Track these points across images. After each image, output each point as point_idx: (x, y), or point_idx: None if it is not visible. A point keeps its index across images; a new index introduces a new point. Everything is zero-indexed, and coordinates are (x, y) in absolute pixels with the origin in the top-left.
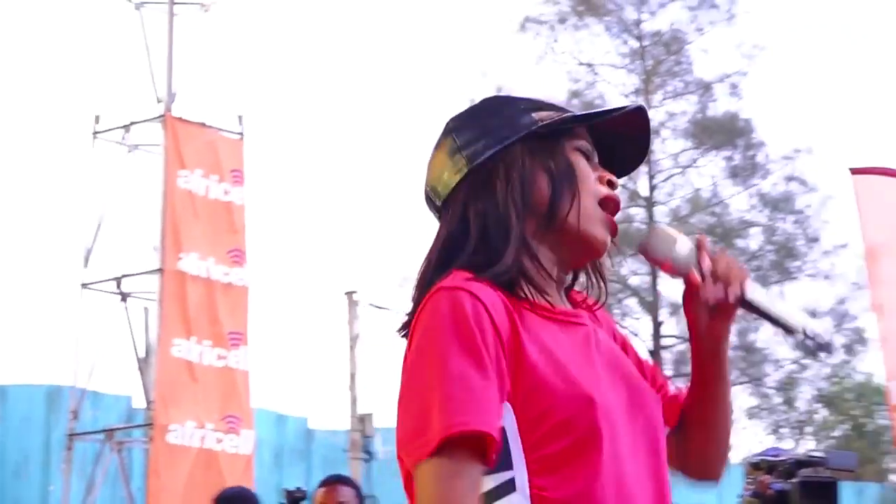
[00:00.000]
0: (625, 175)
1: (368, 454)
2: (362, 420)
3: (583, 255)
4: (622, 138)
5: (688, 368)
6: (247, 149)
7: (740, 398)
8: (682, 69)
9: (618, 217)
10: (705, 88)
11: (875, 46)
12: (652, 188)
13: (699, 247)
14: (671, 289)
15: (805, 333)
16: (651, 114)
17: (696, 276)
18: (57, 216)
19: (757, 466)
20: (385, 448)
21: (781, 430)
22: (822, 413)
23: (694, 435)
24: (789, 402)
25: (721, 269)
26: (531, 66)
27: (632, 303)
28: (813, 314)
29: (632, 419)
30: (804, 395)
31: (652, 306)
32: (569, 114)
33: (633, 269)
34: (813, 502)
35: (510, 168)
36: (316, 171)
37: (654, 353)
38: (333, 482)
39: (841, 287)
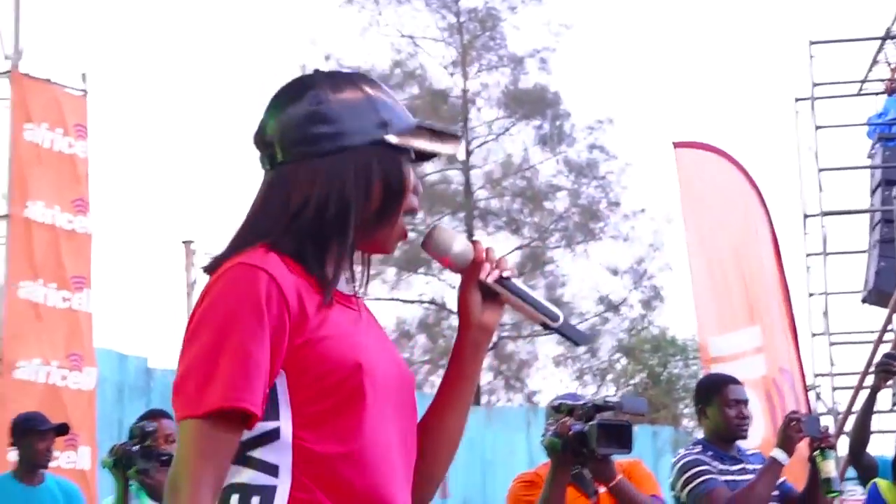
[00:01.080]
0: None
1: None
2: None
3: (374, 251)
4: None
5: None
6: (90, 105)
7: (547, 347)
8: (496, 44)
9: (436, 178)
10: (517, 62)
11: (668, 25)
12: (468, 153)
13: (474, 242)
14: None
15: (562, 321)
16: (468, 84)
17: (481, 254)
18: None
19: (558, 409)
20: None
21: (585, 378)
22: (622, 362)
23: (427, 439)
24: (592, 352)
25: (493, 256)
26: (356, 36)
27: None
28: (614, 272)
29: (398, 392)
30: (606, 346)
31: None
32: (415, 123)
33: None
34: (610, 442)
35: (359, 168)
36: (157, 127)
37: None
38: (157, 416)
39: (639, 248)
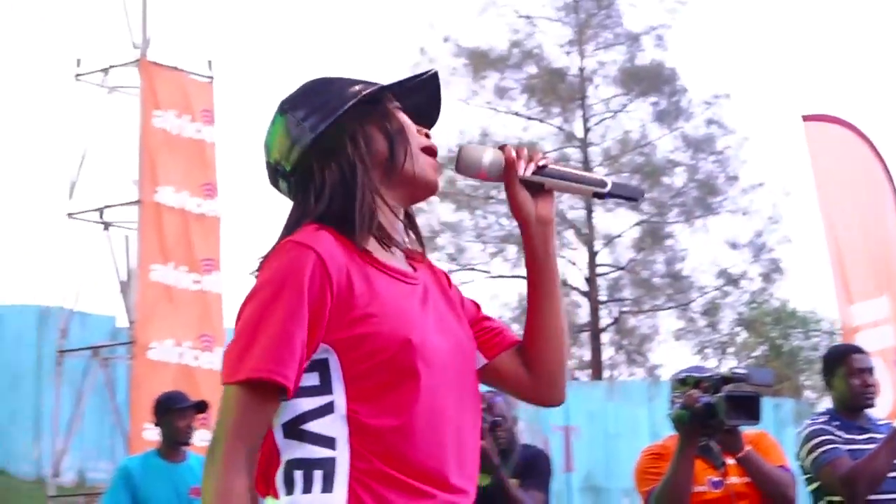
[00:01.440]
0: (429, 127)
1: None
2: None
3: (419, 194)
4: (423, 100)
5: (621, 293)
6: (217, 90)
7: (668, 322)
8: (612, 22)
9: (555, 156)
10: (633, 39)
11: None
12: (586, 130)
13: (502, 147)
14: (605, 222)
15: (611, 185)
16: (585, 62)
17: (511, 154)
18: (44, 152)
19: (684, 382)
20: None
21: (706, 351)
22: (743, 335)
23: (535, 346)
24: (713, 325)
25: (525, 153)
26: (474, 18)
27: (569, 234)
28: (733, 246)
29: (455, 365)
30: (726, 319)
31: (587, 238)
32: (380, 84)
33: (570, 204)
34: (738, 413)
35: (352, 132)
36: None
37: (590, 281)
38: None
39: (758, 221)
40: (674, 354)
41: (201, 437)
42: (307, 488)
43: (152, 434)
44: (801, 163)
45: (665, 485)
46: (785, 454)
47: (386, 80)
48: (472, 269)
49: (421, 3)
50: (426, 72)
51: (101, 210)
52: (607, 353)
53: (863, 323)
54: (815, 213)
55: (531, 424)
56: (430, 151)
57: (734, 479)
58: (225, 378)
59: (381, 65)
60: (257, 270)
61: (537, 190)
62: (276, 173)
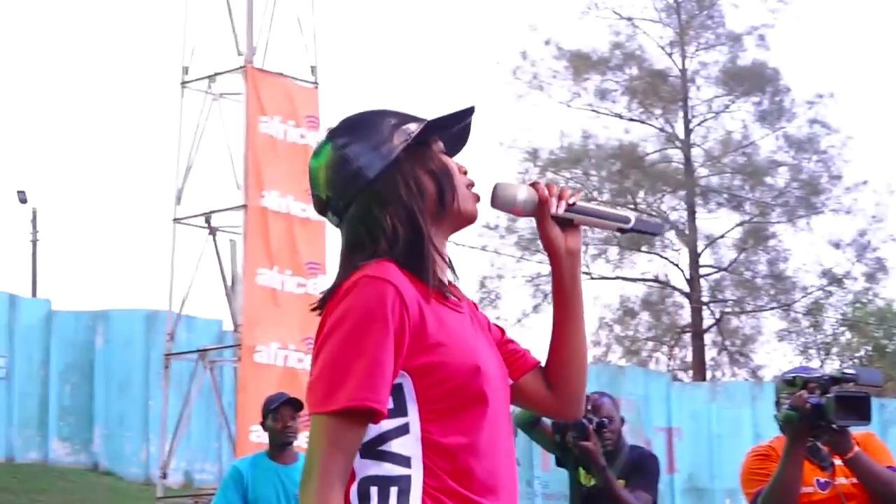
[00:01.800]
0: (457, 153)
1: None
2: None
3: (463, 226)
4: (457, 133)
5: (723, 294)
6: (321, 96)
7: (771, 322)
8: (714, 22)
9: (656, 157)
10: (735, 39)
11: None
12: (688, 131)
13: (534, 185)
14: (707, 223)
15: (634, 221)
16: (686, 63)
17: (544, 192)
18: (152, 159)
19: (792, 383)
20: None
21: (809, 352)
22: (847, 335)
23: (559, 367)
24: (816, 326)
25: (556, 190)
26: (576, 20)
27: (671, 235)
28: (837, 246)
29: (501, 387)
30: (830, 320)
31: (689, 239)
32: (425, 122)
33: (671, 206)
34: (848, 414)
35: (405, 176)
36: None
37: (692, 282)
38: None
39: (862, 220)
40: (777, 355)
41: (307, 439)
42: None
43: (258, 436)
44: None
45: (773, 486)
46: (892, 455)
47: (430, 115)
48: None
49: (522, 6)
50: (468, 109)
51: (207, 215)
52: (710, 354)
53: None
54: None
55: (633, 426)
56: (471, 185)
57: (842, 480)
58: (317, 408)
59: (482, 69)
60: (324, 305)
61: (566, 225)
62: (326, 207)
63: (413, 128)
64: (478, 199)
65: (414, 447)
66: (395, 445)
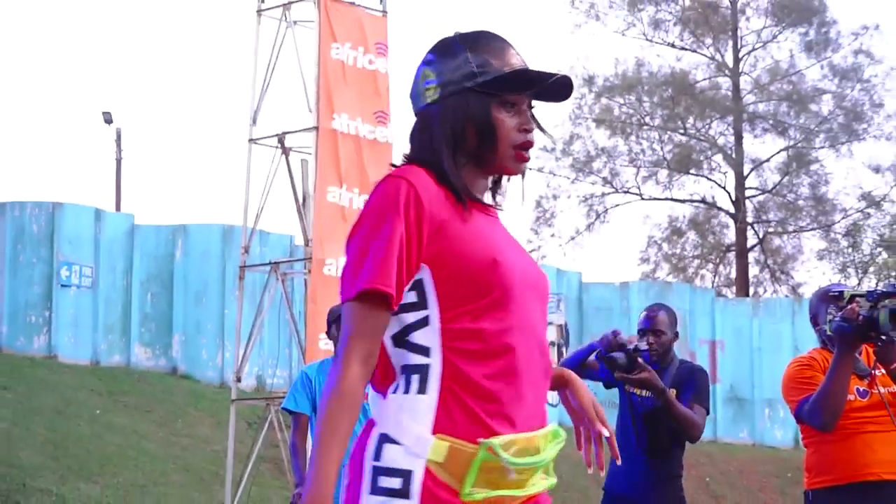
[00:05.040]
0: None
1: None
2: None
3: (500, 174)
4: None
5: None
6: (390, 24)
7: (812, 242)
8: None
9: (706, 85)
10: None
11: None
12: (737, 60)
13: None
14: (753, 148)
15: None
16: None
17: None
18: (229, 83)
19: (840, 297)
20: None
21: (847, 270)
22: (883, 256)
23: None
24: (854, 246)
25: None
26: None
27: (718, 159)
28: (876, 170)
29: (532, 286)
30: (867, 240)
31: (736, 162)
32: (499, 74)
33: (719, 131)
34: None
35: (450, 119)
36: None
37: (738, 203)
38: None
39: None
40: (816, 273)
41: None
42: (406, 389)
43: (325, 343)
44: None
45: (822, 393)
46: None
47: (527, 66)
48: (627, 191)
49: None
50: (554, 75)
51: (280, 136)
52: (753, 271)
53: None
54: None
55: (679, 339)
56: (525, 145)
57: (881, 389)
58: (343, 298)
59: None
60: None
61: None
62: (413, 100)
63: (484, 77)
64: (523, 159)
65: (434, 338)
66: (417, 337)
